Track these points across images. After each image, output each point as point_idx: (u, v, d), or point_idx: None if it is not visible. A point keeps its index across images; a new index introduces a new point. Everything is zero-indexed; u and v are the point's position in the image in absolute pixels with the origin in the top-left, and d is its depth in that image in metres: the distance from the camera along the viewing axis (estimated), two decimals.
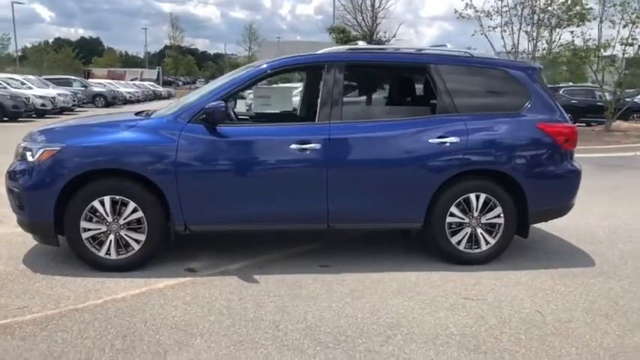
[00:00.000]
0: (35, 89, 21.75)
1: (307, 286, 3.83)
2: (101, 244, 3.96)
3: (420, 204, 4.25)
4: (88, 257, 3.97)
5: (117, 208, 3.93)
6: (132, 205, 3.94)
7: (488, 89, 4.49)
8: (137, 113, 4.47)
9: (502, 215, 4.33)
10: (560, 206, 4.51)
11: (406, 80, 5.04)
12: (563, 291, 3.85)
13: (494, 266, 4.33)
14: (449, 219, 4.29)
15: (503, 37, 16.00)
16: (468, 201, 4.29)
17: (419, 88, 4.99)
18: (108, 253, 3.96)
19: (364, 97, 5.52)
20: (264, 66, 4.29)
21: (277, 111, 6.51)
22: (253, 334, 3.09)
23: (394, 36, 31.42)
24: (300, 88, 6.45)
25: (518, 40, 15.98)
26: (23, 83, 22.25)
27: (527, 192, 4.32)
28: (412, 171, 4.19)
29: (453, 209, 4.28)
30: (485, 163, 4.29)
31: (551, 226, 5.27)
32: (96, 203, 3.90)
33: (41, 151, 3.90)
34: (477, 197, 4.29)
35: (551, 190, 4.43)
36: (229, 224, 4.12)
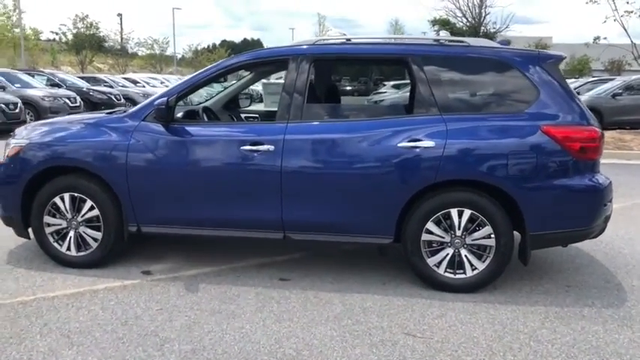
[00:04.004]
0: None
1: (242, 302, 3.50)
2: (64, 239, 4.03)
3: (388, 217, 3.67)
4: (52, 252, 4.05)
5: (76, 206, 3.96)
6: (89, 202, 3.94)
7: (484, 85, 3.72)
8: (110, 112, 4.47)
9: (493, 236, 3.56)
10: (573, 230, 3.59)
11: (381, 74, 4.42)
12: (545, 339, 3.04)
13: (480, 297, 3.58)
14: (425, 236, 3.64)
15: None
16: (449, 217, 3.60)
17: (397, 83, 4.32)
18: (69, 249, 4.02)
19: (332, 95, 4.94)
20: (222, 63, 4.01)
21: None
22: (126, 353, 2.86)
23: (507, 27, 27.98)
24: None
25: None
26: (162, 82, 24.47)
27: (524, 210, 3.51)
28: (377, 179, 3.61)
29: (430, 226, 3.62)
30: (469, 173, 3.55)
31: (603, 253, 4.29)
32: (57, 200, 3.96)
33: (11, 146, 4.07)
34: (460, 213, 3.57)
35: (560, 210, 3.53)
36: (181, 227, 3.92)
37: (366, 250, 4.41)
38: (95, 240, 3.98)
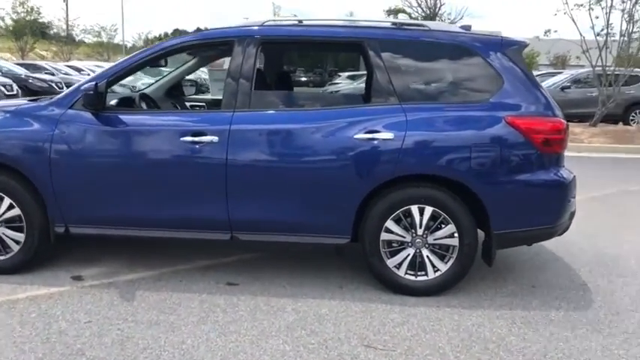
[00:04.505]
0: None
1: (183, 312, 3.13)
2: None
3: (345, 215, 3.38)
4: None
5: None
6: (7, 200, 3.47)
7: (445, 72, 3.46)
8: (33, 99, 3.97)
9: (456, 235, 3.33)
10: (539, 228, 3.40)
11: (335, 60, 4.13)
12: (514, 348, 2.82)
13: (443, 301, 3.35)
14: (384, 236, 3.37)
15: (591, 16, 13.88)
16: (410, 215, 3.34)
17: (352, 70, 4.04)
18: None
19: (283, 82, 4.62)
20: (161, 44, 3.60)
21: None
22: None
23: (461, 18, 28.18)
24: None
25: (608, 20, 13.75)
26: None
27: (488, 207, 3.29)
28: (332, 174, 3.31)
29: (390, 224, 3.35)
30: (429, 168, 3.30)
31: (565, 250, 4.16)
32: None
33: None
34: (421, 211, 3.32)
35: (524, 207, 3.33)
36: (115, 228, 3.51)
37: (322, 251, 4.11)
38: (17, 242, 3.52)
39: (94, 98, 3.31)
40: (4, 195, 3.46)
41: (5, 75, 16.46)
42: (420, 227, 3.34)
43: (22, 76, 17.42)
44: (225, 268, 3.82)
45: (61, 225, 3.50)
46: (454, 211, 3.30)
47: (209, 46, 3.70)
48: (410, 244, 3.38)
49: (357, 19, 3.73)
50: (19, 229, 3.50)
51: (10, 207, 3.48)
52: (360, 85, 14.86)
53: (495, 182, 3.28)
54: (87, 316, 3.05)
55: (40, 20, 40.33)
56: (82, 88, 3.37)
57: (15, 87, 14.54)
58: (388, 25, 3.58)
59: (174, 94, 4.84)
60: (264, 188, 3.36)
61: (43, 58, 38.71)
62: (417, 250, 3.37)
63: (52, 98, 3.63)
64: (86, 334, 2.85)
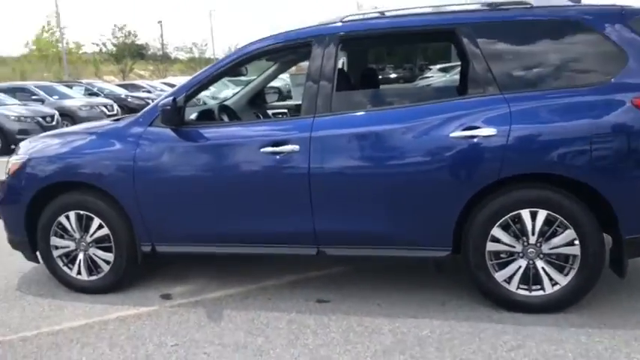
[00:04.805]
0: None
1: (272, 333, 2.93)
2: (74, 263, 3.57)
3: (443, 224, 3.01)
4: (62, 277, 3.60)
5: (84, 225, 3.49)
6: (97, 220, 3.47)
7: (552, 53, 2.96)
8: (116, 119, 3.95)
9: (577, 242, 2.85)
10: None
11: (424, 53, 3.72)
12: None
13: (564, 320, 2.88)
14: (490, 246, 2.97)
15: None
16: (519, 221, 2.92)
17: (444, 66, 3.61)
18: (80, 273, 3.55)
19: (368, 80, 4.24)
20: (238, 51, 3.42)
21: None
22: None
23: None
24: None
25: None
26: None
27: (616, 207, 2.78)
28: (426, 179, 2.96)
29: (497, 232, 2.95)
30: (542, 166, 2.85)
31: None
32: (62, 219, 3.50)
33: (11, 163, 3.64)
34: (534, 215, 2.88)
35: None
36: (200, 245, 3.39)
37: (419, 264, 3.75)
38: (107, 262, 3.50)
39: (172, 114, 3.21)
40: (94, 215, 3.46)
41: (107, 96, 17.58)
42: (533, 234, 2.90)
43: (122, 96, 18.53)
44: (313, 283, 3.58)
45: (147, 244, 3.44)
46: (573, 213, 2.83)
47: (287, 48, 3.48)
48: (521, 255, 2.95)
49: (443, 4, 3.33)
50: (108, 249, 3.48)
51: (100, 227, 3.47)
52: (453, 77, 14.12)
53: (623, 178, 2.77)
54: (174, 338, 2.93)
55: (138, 42, 43.11)
56: (160, 104, 3.28)
57: (115, 107, 15.41)
58: (482, 7, 3.17)
59: (256, 103, 4.70)
60: (352, 198, 3.09)
61: (141, 77, 41.25)
62: (530, 262, 2.94)
63: (133, 117, 3.59)
64: (173, 358, 2.73)
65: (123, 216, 3.42)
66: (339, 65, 3.26)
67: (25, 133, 10.60)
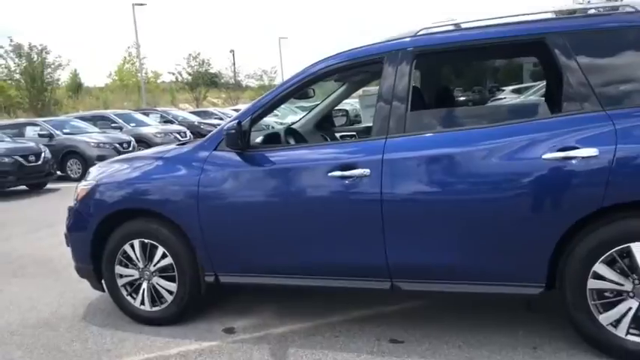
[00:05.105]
0: None
1: None
2: (138, 292, 3.47)
3: (535, 257, 2.64)
4: (126, 307, 3.51)
5: (148, 254, 3.39)
6: (160, 249, 3.35)
7: None
8: (181, 144, 3.86)
9: None
10: None
11: (508, 65, 3.38)
12: None
13: None
14: (593, 283, 2.57)
15: None
16: (628, 255, 2.50)
17: (517, 87, 3.22)
18: (143, 303, 3.45)
19: (444, 99, 3.88)
20: (304, 71, 3.23)
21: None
22: None
23: None
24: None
25: None
26: None
27: None
28: (514, 206, 2.62)
29: (600, 268, 2.54)
30: None
31: None
32: (127, 247, 3.42)
33: (79, 189, 3.63)
34: None
35: None
36: (264, 277, 3.19)
37: (507, 301, 3.35)
38: (170, 292, 3.37)
39: (237, 137, 3.06)
40: (157, 244, 3.35)
41: (181, 123, 18.17)
42: None
43: (195, 123, 19.09)
44: (386, 320, 3.28)
45: (210, 274, 3.28)
46: None
47: (356, 66, 3.25)
48: (631, 294, 2.52)
49: (522, 12, 2.98)
50: (171, 279, 3.36)
51: (164, 256, 3.35)
52: (529, 97, 13.38)
53: None
54: None
55: (211, 71, 44.75)
56: (226, 127, 3.15)
57: (188, 133, 15.86)
58: (576, 12, 2.82)
59: (324, 127, 4.51)
60: (429, 227, 2.79)
61: (214, 105, 42.69)
62: None
63: (198, 141, 3.49)
64: None
65: (186, 244, 3.29)
66: (414, 83, 2.99)
67: (104, 159, 10.94)
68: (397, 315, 3.35)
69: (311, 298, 3.67)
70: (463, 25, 3.05)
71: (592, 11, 2.95)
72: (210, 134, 3.43)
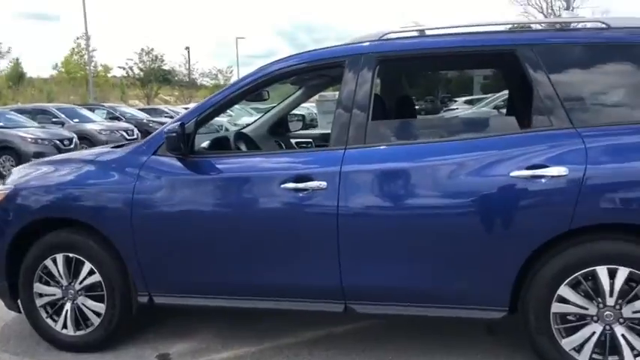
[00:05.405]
0: None
1: None
2: (59, 314, 3.08)
3: (499, 281, 2.47)
4: (45, 331, 3.09)
5: (72, 270, 3.01)
6: (87, 265, 2.99)
7: (634, 82, 2.47)
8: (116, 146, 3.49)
9: None
10: None
11: (460, 77, 3.29)
12: None
13: None
14: (557, 307, 2.41)
15: None
16: (593, 278, 2.36)
17: (470, 99, 3.07)
18: (65, 326, 3.05)
19: (405, 108, 3.69)
20: (257, 72, 2.94)
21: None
22: None
23: None
24: None
25: None
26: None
27: None
28: (479, 225, 2.43)
29: (564, 291, 2.39)
30: (628, 215, 2.30)
31: None
32: (49, 262, 3.03)
33: None
34: (612, 273, 2.32)
35: None
36: (204, 297, 2.88)
37: (466, 322, 3.16)
38: (97, 314, 3.00)
39: (179, 141, 2.74)
40: (84, 259, 2.98)
41: (128, 120, 17.44)
42: (611, 295, 2.34)
43: (144, 121, 18.38)
44: (336, 341, 3.04)
45: (144, 293, 2.95)
46: None
47: (315, 69, 2.99)
48: (595, 319, 2.38)
49: (497, 21, 2.81)
50: (99, 299, 2.99)
51: (91, 273, 2.99)
52: (485, 108, 13.48)
53: None
54: None
55: (164, 67, 43.57)
56: (167, 129, 2.82)
57: (136, 131, 15.18)
58: (548, 26, 2.66)
59: (278, 132, 4.23)
60: (387, 246, 2.57)
61: (166, 102, 41.60)
62: (607, 327, 2.37)
63: (136, 144, 3.15)
64: None
65: (117, 260, 2.94)
66: (375, 90, 2.75)
67: (42, 156, 10.28)
68: (348, 335, 3.12)
69: (254, 319, 3.37)
70: (428, 32, 2.85)
71: (563, 25, 2.81)
72: (149, 136, 3.09)
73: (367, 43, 2.78)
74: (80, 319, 3.03)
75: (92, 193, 2.94)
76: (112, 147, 3.37)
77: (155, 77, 41.87)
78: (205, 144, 3.41)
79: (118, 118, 17.66)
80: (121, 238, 2.89)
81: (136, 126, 16.02)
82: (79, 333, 3.04)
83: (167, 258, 2.88)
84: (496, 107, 11.89)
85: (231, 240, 2.77)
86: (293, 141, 4.29)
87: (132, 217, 2.85)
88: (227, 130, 6.21)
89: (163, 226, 2.85)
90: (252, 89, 2.94)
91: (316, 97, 12.05)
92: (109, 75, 45.24)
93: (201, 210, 2.81)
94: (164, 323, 3.36)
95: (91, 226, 2.95)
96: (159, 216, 2.85)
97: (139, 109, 22.08)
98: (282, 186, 2.64)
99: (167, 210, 2.84)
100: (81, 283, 3.00)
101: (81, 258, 2.98)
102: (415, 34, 2.86)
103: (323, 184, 2.59)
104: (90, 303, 3.01)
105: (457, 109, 18.20)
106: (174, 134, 2.72)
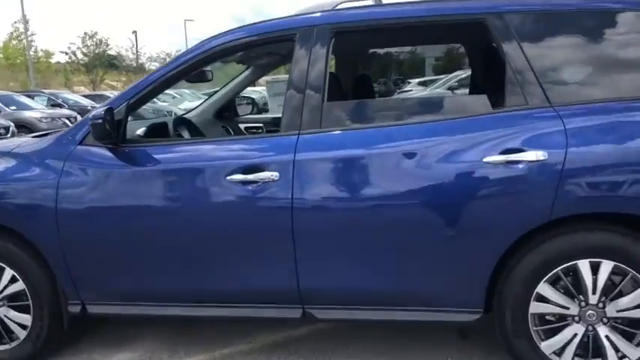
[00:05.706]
0: None
1: None
2: None
3: (472, 279, 2.25)
4: None
5: None
6: (9, 272, 2.60)
7: (621, 53, 2.26)
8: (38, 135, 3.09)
9: None
10: None
11: (442, 52, 3.04)
12: None
13: None
14: (535, 307, 2.21)
15: None
16: (574, 274, 2.17)
17: (423, 80, 2.85)
18: None
19: (363, 88, 3.45)
20: (196, 48, 2.60)
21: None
22: None
23: None
24: None
25: None
26: (174, 97, 23.09)
27: None
28: (449, 219, 2.20)
29: (543, 289, 2.19)
30: (612, 204, 2.11)
31: None
32: None
33: None
34: (595, 268, 2.14)
35: None
36: (145, 305, 2.55)
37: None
38: (23, 327, 2.63)
39: (108, 129, 2.38)
40: (4, 265, 2.60)
41: (71, 107, 16.54)
42: (594, 292, 2.15)
43: (88, 107, 17.46)
44: (296, 346, 2.77)
45: (76, 302, 2.59)
46: None
47: (261, 44, 2.66)
48: (577, 319, 2.20)
49: None
50: (24, 310, 2.62)
51: (13, 280, 2.61)
52: (440, 89, 13.32)
53: None
54: None
55: (110, 52, 41.82)
56: (91, 116, 2.45)
57: (79, 118, 14.38)
58: None
59: (224, 116, 3.89)
60: (349, 245, 2.30)
61: (113, 88, 39.98)
62: (589, 327, 2.19)
63: (60, 133, 2.75)
64: None
65: (43, 266, 2.57)
66: (330, 67, 2.46)
67: None
68: (309, 338, 2.86)
69: (206, 324, 3.05)
70: (388, 1, 2.57)
71: None
72: (75, 124, 2.71)
73: (319, 14, 2.48)
74: (3, 332, 2.65)
75: (9, 190, 2.55)
76: (33, 136, 2.97)
77: (100, 62, 40.15)
78: (140, 131, 3.05)
79: (60, 105, 16.72)
80: (46, 241, 2.51)
81: (79, 113, 15.14)
82: (2, 348, 2.66)
83: (100, 262, 2.53)
84: (450, 88, 11.76)
85: (170, 241, 2.44)
86: (242, 126, 3.96)
87: (57, 217, 2.47)
88: (176, 115, 5.76)
89: (94, 226, 2.49)
90: (191, 68, 2.58)
91: (266, 77, 11.56)
92: (52, 61, 43.12)
93: (136, 206, 2.46)
94: (105, 329, 3.00)
95: (9, 228, 2.56)
96: (88, 214, 2.49)
97: (84, 96, 21.06)
98: (229, 178, 2.33)
99: (97, 207, 2.48)
100: (1, 292, 2.62)
101: (0, 264, 2.60)
102: (373, 2, 2.58)
103: (275, 175, 2.29)
104: (13, 314, 2.62)
105: (411, 90, 18.16)
106: (100, 120, 2.36)
